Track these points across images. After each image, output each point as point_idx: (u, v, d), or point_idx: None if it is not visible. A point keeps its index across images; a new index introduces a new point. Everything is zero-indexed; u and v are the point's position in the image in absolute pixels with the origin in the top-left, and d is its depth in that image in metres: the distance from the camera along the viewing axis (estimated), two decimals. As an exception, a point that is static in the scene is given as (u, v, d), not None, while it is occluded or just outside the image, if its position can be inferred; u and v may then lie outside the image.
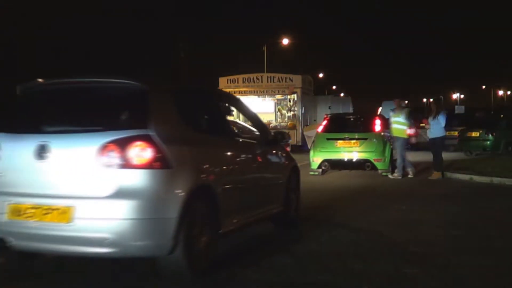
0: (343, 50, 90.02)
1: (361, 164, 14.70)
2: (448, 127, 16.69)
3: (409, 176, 14.44)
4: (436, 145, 14.37)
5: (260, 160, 6.93)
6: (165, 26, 46.66)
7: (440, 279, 5.44)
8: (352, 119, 16.96)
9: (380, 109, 35.82)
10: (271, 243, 7.09)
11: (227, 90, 30.93)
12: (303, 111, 29.08)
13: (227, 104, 7.06)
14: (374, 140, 14.61)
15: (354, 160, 14.69)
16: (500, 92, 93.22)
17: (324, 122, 15.76)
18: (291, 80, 30.38)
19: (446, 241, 7.12)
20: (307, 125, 28.60)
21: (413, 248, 6.69)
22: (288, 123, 29.01)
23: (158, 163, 4.80)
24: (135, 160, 4.75)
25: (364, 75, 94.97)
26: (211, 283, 5.22)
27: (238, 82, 31.13)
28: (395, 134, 14.48)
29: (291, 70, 34.18)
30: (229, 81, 31.20)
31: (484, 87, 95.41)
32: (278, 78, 30.88)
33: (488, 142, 20.91)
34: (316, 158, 14.79)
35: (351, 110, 33.56)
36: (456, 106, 59.63)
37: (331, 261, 6.05)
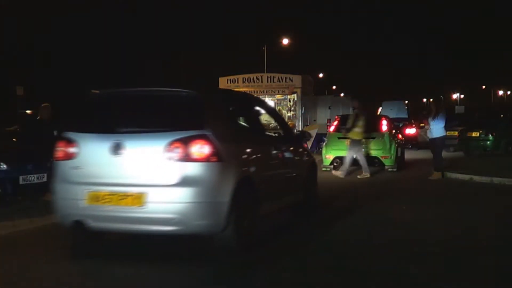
0: (343, 50, 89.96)
1: (370, 161, 15.35)
2: (448, 127, 16.80)
3: (340, 176, 14.57)
4: (436, 145, 14.37)
5: (287, 155, 8.07)
6: (165, 26, 46.66)
7: (440, 279, 5.44)
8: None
9: (380, 109, 35.79)
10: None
11: (227, 90, 31.05)
12: (303, 111, 29.07)
13: (258, 107, 8.30)
14: (381, 139, 15.70)
15: (368, 154, 15.54)
16: (500, 92, 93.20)
17: (335, 123, 17.05)
18: (291, 80, 30.36)
19: (447, 241, 7.12)
20: (307, 125, 28.59)
21: (413, 248, 6.69)
22: (288, 123, 29.02)
23: (214, 157, 5.85)
24: (196, 155, 5.80)
25: (364, 75, 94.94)
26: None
27: (238, 82, 31.11)
28: (354, 137, 14.62)
29: (291, 70, 34.17)
30: (229, 81, 31.18)
31: (484, 87, 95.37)
32: (278, 78, 30.86)
33: (488, 142, 20.89)
34: (329, 156, 16.20)
35: (351, 110, 33.58)
36: (456, 106, 59.67)
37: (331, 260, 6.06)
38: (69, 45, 40.23)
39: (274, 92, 30.87)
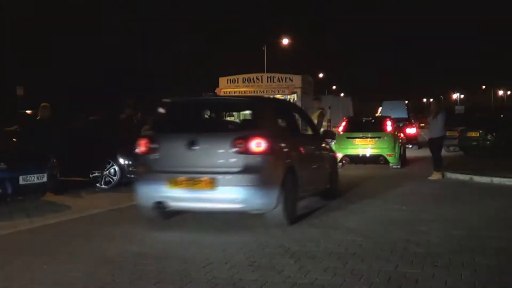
0: (343, 50, 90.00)
1: (376, 158, 16.94)
2: (448, 126, 16.85)
3: None
4: (435, 145, 14.35)
5: (318, 150, 10.14)
6: (165, 26, 46.63)
7: (440, 279, 5.44)
8: (366, 121, 19.44)
9: (380, 109, 35.79)
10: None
11: (227, 90, 30.96)
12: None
13: (294, 111, 10.43)
14: (386, 138, 16.97)
15: (369, 155, 16.98)
16: (500, 92, 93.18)
17: (344, 123, 18.32)
18: (291, 80, 30.32)
19: (447, 241, 7.12)
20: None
21: (413, 248, 6.69)
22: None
23: (269, 151, 7.54)
24: (255, 149, 7.42)
25: (364, 75, 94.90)
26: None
27: (238, 82, 31.07)
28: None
29: (291, 70, 34.16)
30: (229, 81, 31.14)
31: (484, 87, 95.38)
32: (278, 78, 30.82)
33: (488, 142, 20.88)
34: (337, 154, 16.53)
35: (351, 110, 33.57)
36: (456, 106, 59.67)
37: (331, 260, 6.08)
38: (69, 45, 40.19)
39: (274, 92, 30.82)
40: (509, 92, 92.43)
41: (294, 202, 8.17)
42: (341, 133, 17.59)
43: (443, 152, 19.79)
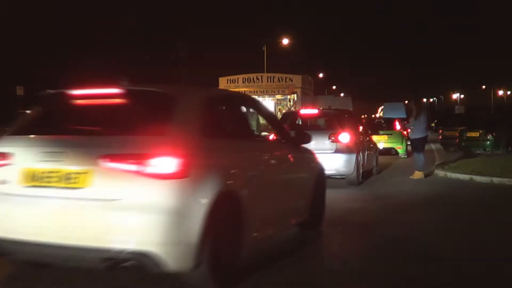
0: (343, 50, 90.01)
1: (388, 150, 21.59)
2: (446, 127, 16.96)
3: None
4: (417, 146, 14.36)
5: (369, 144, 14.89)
6: (165, 25, 46.66)
7: (440, 278, 5.44)
8: (380, 121, 25.16)
9: (380, 109, 35.93)
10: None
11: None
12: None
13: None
14: (396, 135, 21.97)
15: (382, 148, 20.39)
16: (500, 92, 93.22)
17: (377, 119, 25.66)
18: (291, 80, 30.40)
19: (446, 240, 7.12)
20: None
21: (413, 248, 6.70)
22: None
23: (344, 142, 12.29)
24: (341, 140, 12.30)
25: (364, 75, 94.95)
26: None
27: (238, 82, 31.14)
28: None
29: (291, 70, 34.18)
30: (229, 81, 31.21)
31: (484, 87, 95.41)
32: (278, 78, 30.90)
33: (488, 142, 20.89)
34: None
35: (351, 110, 33.61)
36: (456, 106, 59.65)
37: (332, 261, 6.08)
38: (68, 45, 40.26)
39: (274, 92, 30.91)
40: (509, 92, 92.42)
41: (359, 171, 12.77)
42: None
43: (443, 152, 19.87)
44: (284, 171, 6.56)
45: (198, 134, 4.88)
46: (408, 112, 15.29)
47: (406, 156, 21.38)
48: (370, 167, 14.45)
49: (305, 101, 30.24)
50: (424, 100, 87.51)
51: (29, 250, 4.65)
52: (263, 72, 34.05)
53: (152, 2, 49.32)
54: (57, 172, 4.56)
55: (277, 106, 30.65)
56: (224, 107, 6.19)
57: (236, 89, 30.92)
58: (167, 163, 4.39)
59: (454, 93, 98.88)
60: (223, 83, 31.39)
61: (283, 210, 6.43)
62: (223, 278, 4.80)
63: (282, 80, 30.78)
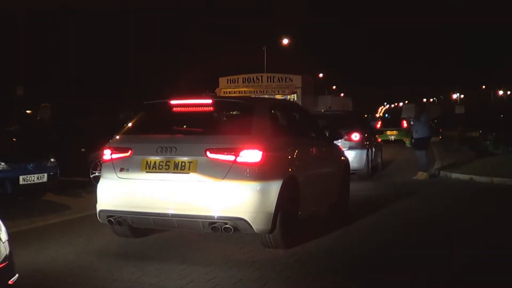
0: (343, 50, 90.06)
1: (397, 142, 28.36)
2: (446, 127, 17.08)
3: None
4: (420, 146, 14.37)
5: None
6: (165, 25, 46.63)
7: (439, 278, 5.44)
8: (391, 120, 33.02)
9: (380, 109, 36.11)
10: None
11: (227, 90, 30.98)
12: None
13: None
14: (403, 130, 28.92)
15: (393, 139, 28.51)
16: (500, 92, 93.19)
17: (379, 122, 30.46)
18: (291, 80, 30.43)
19: (447, 240, 7.13)
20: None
21: (414, 248, 6.71)
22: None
23: (360, 140, 13.84)
24: (354, 138, 13.67)
25: (364, 75, 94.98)
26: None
27: (238, 82, 31.15)
28: None
29: (291, 70, 34.18)
30: (229, 81, 31.22)
31: (484, 87, 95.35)
32: (278, 78, 30.92)
33: (488, 142, 20.89)
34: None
35: (351, 110, 33.64)
36: (456, 106, 59.65)
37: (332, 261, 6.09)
38: (69, 45, 40.22)
39: (274, 92, 30.91)
40: (509, 92, 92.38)
41: (369, 166, 14.18)
42: (379, 128, 28.71)
43: (444, 152, 19.84)
44: (324, 162, 8.32)
45: (269, 133, 6.62)
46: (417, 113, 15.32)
47: (410, 145, 24.09)
48: (376, 163, 15.82)
49: (305, 101, 30.24)
50: (425, 100, 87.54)
51: (148, 220, 6.42)
52: (263, 72, 34.03)
53: (152, 2, 49.34)
54: (170, 161, 6.26)
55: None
56: (283, 112, 8.03)
57: (236, 89, 30.96)
58: (253, 155, 6.09)
59: (454, 93, 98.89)
60: (223, 83, 31.40)
61: (323, 192, 8.16)
62: (287, 237, 6.47)
63: (282, 80, 30.81)
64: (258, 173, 6.08)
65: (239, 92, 31.27)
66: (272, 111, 7.42)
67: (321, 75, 67.23)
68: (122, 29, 42.45)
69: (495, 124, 21.97)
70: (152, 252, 6.57)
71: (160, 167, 6.28)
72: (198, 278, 5.46)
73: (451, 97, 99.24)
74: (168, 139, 6.54)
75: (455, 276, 5.57)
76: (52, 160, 10.59)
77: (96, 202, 6.66)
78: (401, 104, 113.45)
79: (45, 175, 10.18)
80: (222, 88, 31.27)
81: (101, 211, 6.58)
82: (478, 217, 8.96)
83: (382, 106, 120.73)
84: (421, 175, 14.09)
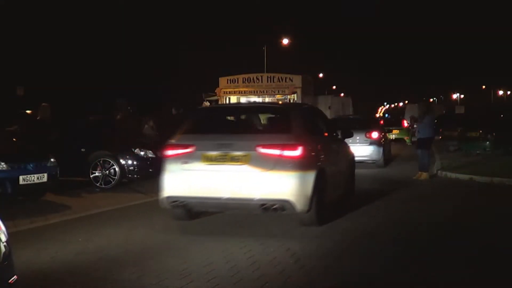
0: (343, 50, 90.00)
1: (399, 140, 29.55)
2: (446, 127, 17.16)
3: None
4: (422, 146, 14.33)
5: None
6: (165, 25, 46.63)
7: (439, 277, 5.45)
8: (392, 120, 34.21)
9: (380, 109, 36.27)
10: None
11: (227, 90, 30.99)
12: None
13: None
14: (403, 129, 30.39)
15: (394, 138, 29.04)
16: (500, 92, 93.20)
17: (381, 122, 29.17)
18: (291, 80, 30.38)
19: (446, 240, 7.13)
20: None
21: (413, 248, 6.71)
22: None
23: (378, 138, 17.26)
24: (374, 136, 17.12)
25: (364, 75, 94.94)
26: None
27: (238, 82, 31.10)
28: None
29: (291, 70, 34.15)
30: (229, 81, 31.17)
31: (484, 87, 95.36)
32: (278, 78, 30.87)
33: (488, 142, 20.88)
34: None
35: (351, 110, 33.67)
36: (456, 106, 59.64)
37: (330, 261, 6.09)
38: (69, 44, 40.21)
39: (274, 92, 30.89)
40: (509, 92, 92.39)
41: (384, 158, 17.45)
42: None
43: (444, 152, 19.84)
44: (340, 157, 9.76)
45: (304, 133, 8.02)
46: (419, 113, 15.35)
47: (411, 144, 27.78)
48: (388, 156, 19.00)
49: (305, 101, 30.20)
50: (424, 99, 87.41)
51: (207, 203, 7.83)
52: (263, 72, 33.99)
53: (151, 2, 49.31)
54: (227, 155, 7.57)
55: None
56: (308, 115, 9.25)
57: (236, 89, 30.92)
58: (295, 150, 7.48)
59: (454, 93, 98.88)
60: (223, 83, 31.36)
61: (339, 182, 9.36)
62: (319, 215, 7.86)
63: (282, 80, 30.76)
64: (299, 164, 7.44)
65: (239, 92, 31.24)
66: (303, 114, 8.81)
67: (321, 75, 67.21)
68: (121, 29, 42.44)
69: (495, 124, 21.96)
70: (152, 252, 6.57)
71: (218, 160, 7.60)
72: (198, 278, 5.46)
73: (451, 97, 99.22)
74: (225, 137, 7.90)
75: (439, 275, 5.58)
76: (52, 160, 10.59)
77: (160, 190, 7.89)
78: (401, 104, 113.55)
79: (45, 175, 10.18)
80: (222, 88, 31.24)
81: (166, 197, 7.83)
82: (478, 217, 8.96)
83: (382, 106, 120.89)
84: (421, 175, 14.08)
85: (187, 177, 7.71)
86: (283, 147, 7.45)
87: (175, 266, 5.88)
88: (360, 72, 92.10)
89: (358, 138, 15.63)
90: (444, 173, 14.87)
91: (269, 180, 7.37)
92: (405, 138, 30.15)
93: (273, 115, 9.38)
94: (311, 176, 7.57)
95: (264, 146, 7.49)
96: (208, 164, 7.63)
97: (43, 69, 38.23)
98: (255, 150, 7.48)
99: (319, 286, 5.31)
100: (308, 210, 7.53)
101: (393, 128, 30.06)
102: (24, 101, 27.77)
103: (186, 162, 7.71)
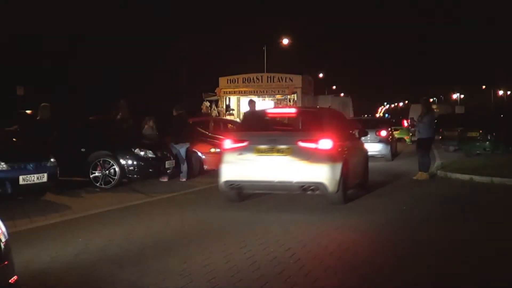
0: (343, 50, 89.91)
1: (400, 139, 29.28)
2: (446, 127, 17.15)
3: (181, 179, 14.02)
4: (423, 146, 14.29)
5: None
6: (164, 25, 46.63)
7: (438, 277, 5.44)
8: (393, 120, 34.12)
9: (380, 109, 36.33)
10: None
11: (227, 90, 30.99)
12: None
13: None
14: (404, 129, 31.52)
15: (396, 137, 27.59)
16: (500, 92, 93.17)
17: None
18: (291, 80, 30.39)
19: (446, 240, 7.13)
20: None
21: (413, 248, 6.71)
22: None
23: (387, 136, 20.20)
24: (382, 135, 20.06)
25: (364, 75, 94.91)
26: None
27: (238, 82, 31.11)
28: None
29: (291, 70, 34.15)
30: (229, 81, 31.18)
31: (484, 87, 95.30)
32: (278, 78, 30.87)
33: (488, 142, 20.88)
34: None
35: (351, 110, 33.68)
36: (456, 106, 59.63)
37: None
38: (69, 44, 40.23)
39: (274, 92, 30.89)
40: (509, 92, 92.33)
41: (392, 152, 20.42)
42: None
43: (443, 152, 19.86)
44: (357, 152, 11.58)
45: (333, 131, 9.99)
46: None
47: (411, 143, 29.63)
48: (395, 152, 21.96)
49: (305, 101, 30.23)
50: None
51: (257, 185, 9.78)
52: (263, 72, 33.99)
53: (151, 2, 49.33)
54: (274, 148, 9.58)
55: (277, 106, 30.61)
56: (335, 117, 11.56)
57: (236, 89, 30.92)
58: (327, 144, 9.51)
59: (454, 93, 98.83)
60: (223, 83, 31.37)
61: (357, 172, 11.11)
62: (345, 196, 9.91)
63: (282, 80, 30.76)
64: (330, 156, 9.46)
65: (239, 92, 31.23)
66: (331, 116, 11.14)
67: (321, 75, 67.20)
68: (121, 28, 42.44)
69: (495, 124, 21.95)
70: (152, 252, 6.57)
71: (267, 152, 9.60)
72: (198, 278, 5.46)
73: (451, 97, 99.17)
74: (272, 134, 10.34)
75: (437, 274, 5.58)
76: (52, 160, 10.58)
77: (219, 177, 9.78)
78: (401, 104, 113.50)
79: (45, 175, 10.18)
80: (222, 88, 31.26)
81: (224, 181, 9.72)
82: (478, 217, 8.96)
83: (382, 106, 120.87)
84: (421, 175, 14.06)
85: (242, 165, 9.59)
86: (318, 141, 9.49)
87: (175, 266, 5.88)
88: (360, 72, 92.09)
89: (369, 136, 16.54)
90: (444, 173, 14.86)
91: (307, 168, 9.34)
92: (405, 137, 31.32)
93: (309, 117, 11.58)
94: (339, 165, 9.54)
95: (303, 141, 9.53)
96: (258, 155, 9.61)
97: (43, 69, 38.24)
98: (296, 144, 9.50)
99: (319, 286, 5.31)
100: (337, 192, 9.49)
101: (393, 127, 30.39)
102: (24, 101, 27.76)
103: (241, 154, 9.68)
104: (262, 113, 12.36)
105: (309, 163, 9.32)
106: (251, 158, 9.58)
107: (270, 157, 9.55)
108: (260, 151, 9.59)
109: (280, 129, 11.53)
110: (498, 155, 19.47)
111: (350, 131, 11.93)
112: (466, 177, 13.92)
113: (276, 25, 48.41)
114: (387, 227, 8.05)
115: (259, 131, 10.36)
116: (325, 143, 9.49)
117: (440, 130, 26.39)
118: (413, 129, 25.61)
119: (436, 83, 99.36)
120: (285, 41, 44.08)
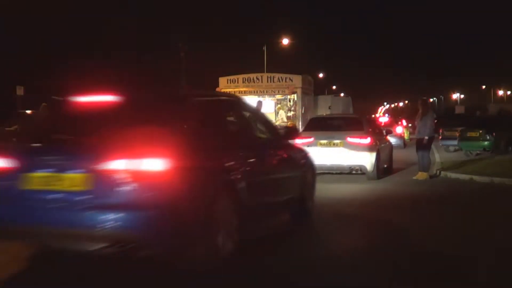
0: (343, 50, 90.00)
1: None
2: (446, 127, 17.09)
3: None
4: (422, 146, 14.27)
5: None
6: (164, 25, 46.67)
7: (438, 277, 5.45)
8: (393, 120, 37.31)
9: (380, 109, 36.33)
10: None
11: (227, 90, 30.92)
12: (303, 111, 29.06)
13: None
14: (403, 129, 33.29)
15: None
16: (500, 92, 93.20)
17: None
18: (291, 80, 30.36)
19: (446, 240, 7.14)
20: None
21: (413, 248, 6.72)
22: (288, 123, 28.95)
23: (400, 133, 29.40)
24: (398, 131, 28.84)
25: (364, 75, 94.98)
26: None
27: (238, 82, 31.09)
28: None
29: (291, 70, 34.13)
30: (229, 81, 31.15)
31: (484, 87, 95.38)
32: (278, 78, 30.85)
33: (488, 142, 20.89)
34: None
35: (351, 110, 33.65)
36: (456, 106, 59.67)
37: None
38: (69, 44, 40.29)
39: (274, 92, 30.87)
40: (509, 92, 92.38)
41: (403, 143, 27.70)
42: None
43: (443, 152, 19.87)
44: (385, 145, 15.67)
45: (371, 130, 14.56)
46: (415, 112, 15.25)
47: (409, 140, 31.00)
48: (406, 143, 28.20)
49: (305, 101, 30.22)
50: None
51: (320, 167, 11.26)
52: (263, 72, 33.95)
53: (152, 2, 49.39)
54: (331, 142, 14.03)
55: (277, 106, 30.62)
56: (371, 120, 17.60)
57: (236, 89, 30.88)
58: (367, 139, 13.89)
59: (454, 93, 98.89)
60: (223, 83, 31.35)
61: (385, 159, 15.36)
62: (378, 175, 14.07)
63: (282, 80, 30.73)
64: (369, 147, 13.69)
65: (239, 92, 31.22)
66: (368, 120, 15.80)
67: (321, 75, 67.21)
68: (121, 29, 42.46)
69: (495, 124, 21.97)
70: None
71: (326, 145, 13.94)
72: (198, 278, 5.46)
73: (451, 97, 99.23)
74: (329, 132, 14.32)
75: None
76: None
77: None
78: (401, 104, 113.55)
79: (45, 175, 10.15)
80: (222, 88, 31.24)
81: None
82: (477, 217, 8.97)
83: (382, 106, 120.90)
84: (421, 175, 14.06)
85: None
86: (360, 137, 13.79)
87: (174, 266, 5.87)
88: (360, 72, 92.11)
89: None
90: (444, 173, 14.87)
91: (354, 155, 13.64)
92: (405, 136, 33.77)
93: (353, 121, 15.30)
94: (374, 154, 13.75)
95: (351, 137, 13.79)
96: (321, 147, 13.80)
97: (43, 69, 38.27)
98: (346, 140, 13.80)
99: (320, 286, 5.31)
100: (373, 171, 13.73)
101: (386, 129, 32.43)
102: (24, 101, 27.78)
103: (308, 146, 12.70)
104: (323, 117, 18.09)
105: (355, 152, 13.58)
106: (315, 149, 12.85)
107: (328, 148, 13.90)
108: (322, 145, 13.90)
109: (335, 129, 14.80)
110: (498, 155, 19.48)
111: (380, 130, 16.04)
112: (466, 177, 13.93)
113: (276, 25, 48.44)
114: (385, 230, 8.08)
115: (321, 130, 14.55)
116: (365, 139, 13.75)
117: (440, 130, 26.41)
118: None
119: (437, 83, 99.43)
120: (285, 41, 44.07)
